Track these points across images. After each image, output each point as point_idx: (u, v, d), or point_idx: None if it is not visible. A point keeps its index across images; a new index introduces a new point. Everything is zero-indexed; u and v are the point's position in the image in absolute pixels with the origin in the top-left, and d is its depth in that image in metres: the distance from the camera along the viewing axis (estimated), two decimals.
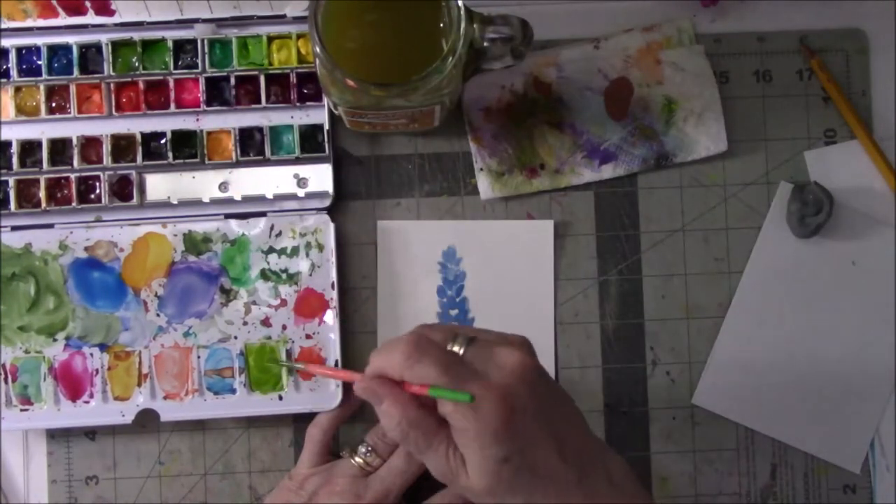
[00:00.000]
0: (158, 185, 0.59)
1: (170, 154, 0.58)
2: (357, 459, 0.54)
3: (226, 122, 0.59)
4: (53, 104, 0.59)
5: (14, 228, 0.58)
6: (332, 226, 0.58)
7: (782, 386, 0.59)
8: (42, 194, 0.58)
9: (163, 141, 0.58)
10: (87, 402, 0.57)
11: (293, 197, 0.59)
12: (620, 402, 0.60)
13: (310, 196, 0.59)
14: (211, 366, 0.58)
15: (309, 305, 0.58)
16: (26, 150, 0.58)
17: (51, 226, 0.58)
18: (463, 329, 0.47)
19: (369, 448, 0.54)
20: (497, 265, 0.59)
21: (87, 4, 0.58)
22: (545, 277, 0.59)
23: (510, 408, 0.43)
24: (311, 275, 0.58)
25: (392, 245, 0.59)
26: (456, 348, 0.45)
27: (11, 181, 0.58)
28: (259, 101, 0.58)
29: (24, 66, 0.58)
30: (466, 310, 0.59)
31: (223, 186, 0.59)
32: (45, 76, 0.58)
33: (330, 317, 0.58)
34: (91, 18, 0.58)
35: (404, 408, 0.44)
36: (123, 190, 0.58)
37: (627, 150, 0.60)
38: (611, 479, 0.46)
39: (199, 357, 0.58)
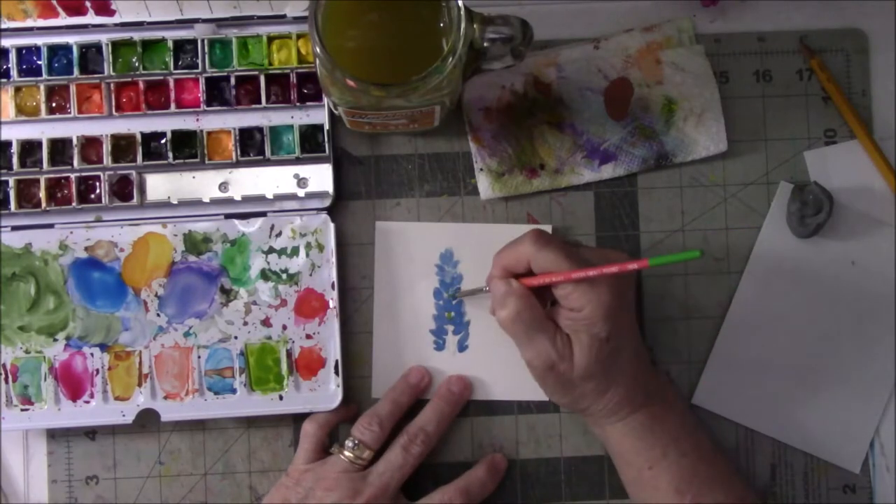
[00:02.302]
0: (158, 185, 0.59)
1: (170, 154, 0.58)
2: (346, 454, 0.55)
3: (226, 122, 0.59)
4: (53, 104, 0.59)
5: (14, 228, 0.58)
6: (332, 226, 0.58)
7: (782, 386, 0.59)
8: (42, 194, 0.58)
9: (163, 141, 0.58)
10: (87, 402, 0.57)
11: (293, 197, 0.59)
12: None
13: (310, 196, 0.59)
14: (211, 366, 0.58)
15: (309, 305, 0.58)
16: (26, 150, 0.58)
17: (51, 226, 0.58)
18: (569, 238, 0.57)
19: (356, 442, 0.55)
20: None
21: (87, 4, 0.58)
22: None
23: (619, 293, 0.50)
24: (311, 275, 0.58)
25: (390, 246, 0.59)
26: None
27: (11, 181, 0.58)
28: (259, 101, 0.58)
29: (24, 66, 0.58)
30: (462, 312, 0.59)
31: (223, 186, 0.59)
32: (45, 76, 0.58)
33: (330, 317, 0.58)
34: (91, 18, 0.58)
35: (523, 294, 0.51)
36: (123, 190, 0.58)
37: (627, 150, 0.60)
38: (659, 387, 0.55)
39: (199, 357, 0.58)
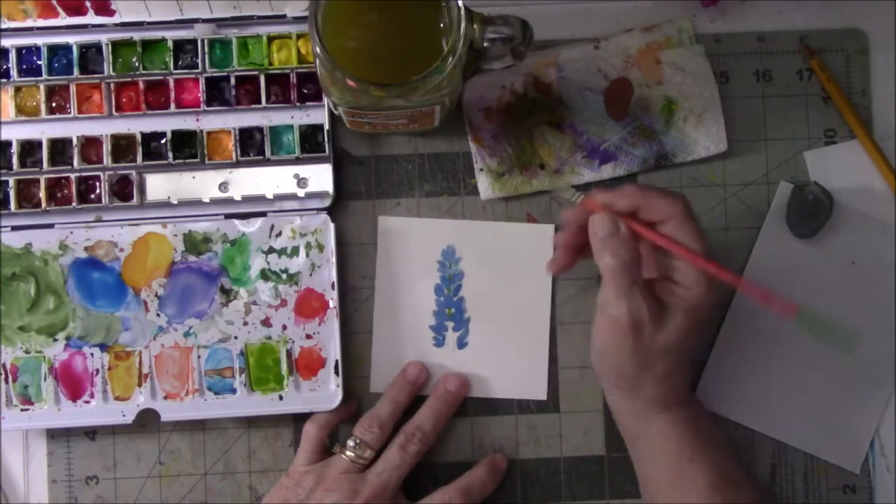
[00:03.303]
0: (158, 185, 0.59)
1: (170, 154, 0.58)
2: (347, 454, 0.55)
3: (226, 122, 0.59)
4: (53, 104, 0.59)
5: (14, 228, 0.58)
6: (332, 226, 0.58)
7: (782, 386, 0.59)
8: (42, 194, 0.58)
9: (163, 141, 0.58)
10: (87, 402, 0.57)
11: (293, 197, 0.59)
12: None
13: (310, 196, 0.59)
14: (211, 366, 0.58)
15: (309, 305, 0.58)
16: (26, 150, 0.58)
17: (51, 226, 0.58)
18: None
19: (358, 441, 0.55)
20: (495, 266, 0.59)
21: (87, 4, 0.58)
22: (543, 281, 0.59)
23: (715, 291, 0.49)
24: (311, 275, 0.58)
25: (392, 242, 0.59)
26: None
27: (11, 181, 0.58)
28: (259, 101, 0.58)
29: (24, 66, 0.58)
30: (463, 309, 0.59)
31: (223, 186, 0.59)
32: (45, 76, 0.58)
33: (330, 317, 0.58)
34: (91, 18, 0.58)
35: (633, 244, 0.49)
36: (123, 190, 0.58)
37: (627, 150, 0.60)
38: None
39: (199, 357, 0.58)
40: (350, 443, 0.55)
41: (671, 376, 0.51)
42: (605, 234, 0.49)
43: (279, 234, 0.58)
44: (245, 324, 0.58)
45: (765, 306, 0.47)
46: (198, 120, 0.59)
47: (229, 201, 0.59)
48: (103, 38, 0.58)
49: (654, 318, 0.49)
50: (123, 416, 0.57)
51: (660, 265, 0.50)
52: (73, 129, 0.58)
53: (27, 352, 0.57)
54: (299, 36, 0.59)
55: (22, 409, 0.57)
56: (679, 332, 0.50)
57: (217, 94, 0.59)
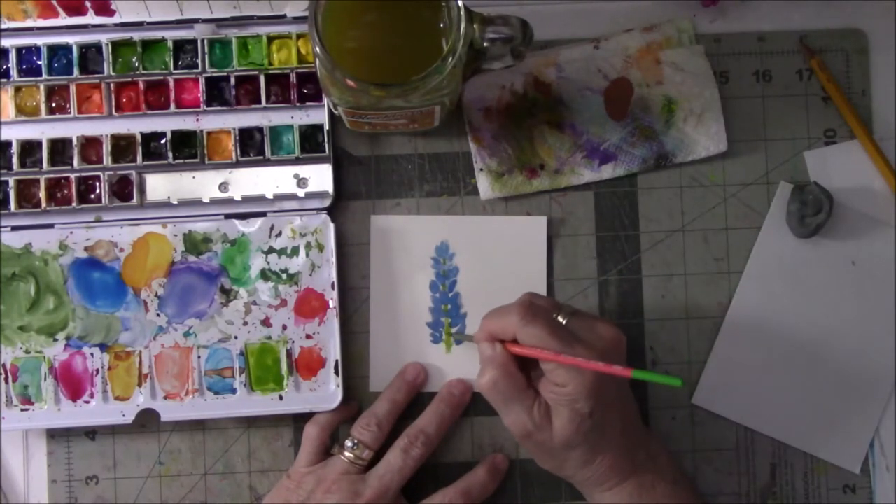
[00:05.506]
0: (158, 185, 0.59)
1: (170, 154, 0.58)
2: (346, 455, 0.55)
3: (226, 122, 0.59)
4: (53, 104, 0.59)
5: (14, 228, 0.58)
6: (332, 226, 0.58)
7: (782, 386, 0.59)
8: (42, 194, 0.58)
9: (163, 141, 0.58)
10: (87, 402, 0.57)
11: (293, 197, 0.59)
12: None
13: (310, 196, 0.59)
14: (211, 366, 0.58)
15: (309, 305, 0.58)
16: (26, 150, 0.58)
17: (51, 226, 0.58)
18: (563, 304, 0.53)
19: (356, 441, 0.55)
20: (490, 261, 0.59)
21: (87, 4, 0.58)
22: (538, 273, 0.59)
23: (591, 381, 0.49)
24: (311, 275, 0.58)
25: (385, 241, 0.59)
26: (560, 318, 0.51)
27: (11, 181, 0.58)
28: (259, 101, 0.58)
29: (24, 66, 0.58)
30: (459, 305, 0.59)
31: (223, 186, 0.59)
32: (45, 76, 0.58)
33: (330, 317, 0.58)
34: (91, 18, 0.58)
35: (504, 362, 0.51)
36: (123, 190, 0.58)
37: (627, 150, 0.60)
38: (650, 454, 0.54)
39: (199, 357, 0.58)
40: (348, 443, 0.55)
41: (592, 462, 0.52)
42: (481, 357, 0.52)
43: (279, 234, 0.58)
44: (245, 324, 0.58)
45: (610, 373, 0.48)
46: (198, 120, 0.59)
47: (229, 201, 0.59)
48: (103, 38, 0.58)
49: (538, 424, 0.51)
50: (123, 416, 0.57)
51: (541, 369, 0.51)
52: (73, 129, 0.58)
53: (27, 352, 0.57)
54: (299, 36, 0.59)
55: (22, 409, 0.57)
56: (570, 427, 0.50)
57: (217, 94, 0.59)
